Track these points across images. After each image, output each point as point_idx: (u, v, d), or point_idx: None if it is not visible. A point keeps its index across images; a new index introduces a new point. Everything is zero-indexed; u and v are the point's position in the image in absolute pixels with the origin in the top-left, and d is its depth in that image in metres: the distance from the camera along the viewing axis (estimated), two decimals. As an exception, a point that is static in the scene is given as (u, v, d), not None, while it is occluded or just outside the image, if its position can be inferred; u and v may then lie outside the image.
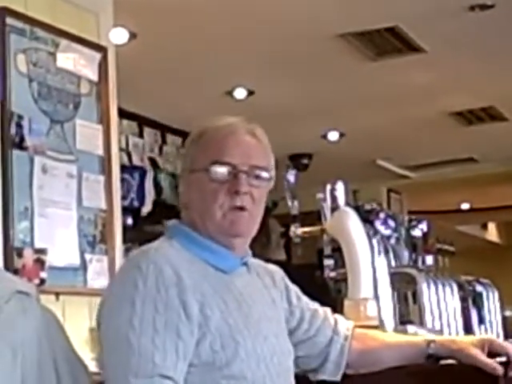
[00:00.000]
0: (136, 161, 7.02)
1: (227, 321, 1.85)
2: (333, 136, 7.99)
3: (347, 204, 3.15)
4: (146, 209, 6.97)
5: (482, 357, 2.09)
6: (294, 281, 2.29)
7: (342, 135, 7.98)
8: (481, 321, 3.60)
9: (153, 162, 7.23)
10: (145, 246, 1.95)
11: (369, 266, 2.93)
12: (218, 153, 1.96)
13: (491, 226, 14.18)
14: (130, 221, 6.62)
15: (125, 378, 1.76)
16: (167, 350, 1.77)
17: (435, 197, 10.32)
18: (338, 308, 2.89)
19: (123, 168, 5.57)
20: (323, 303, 2.31)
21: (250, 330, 1.90)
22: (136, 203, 6.90)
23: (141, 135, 7.17)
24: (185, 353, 1.79)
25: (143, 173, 7.02)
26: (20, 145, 3.92)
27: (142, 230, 6.86)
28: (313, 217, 3.18)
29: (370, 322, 2.51)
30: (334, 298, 3.32)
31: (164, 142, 7.43)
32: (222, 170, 1.94)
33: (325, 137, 7.99)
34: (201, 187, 1.96)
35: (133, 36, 5.19)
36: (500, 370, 2.07)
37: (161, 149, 7.38)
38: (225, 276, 1.95)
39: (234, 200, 1.94)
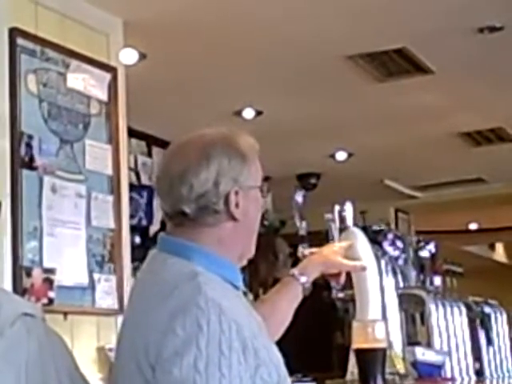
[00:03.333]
0: (144, 180, 7.04)
1: (265, 345, 1.79)
2: (341, 156, 7.99)
3: (355, 225, 3.15)
4: (154, 228, 6.98)
5: (345, 262, 2.36)
6: (301, 301, 2.30)
7: (350, 155, 7.98)
8: (489, 342, 3.60)
9: (161, 181, 7.24)
10: (170, 276, 1.83)
11: (377, 287, 2.93)
12: (260, 171, 1.98)
13: (499, 247, 14.14)
14: (137, 240, 6.63)
15: None
16: None
17: (443, 217, 10.31)
18: (344, 328, 2.89)
19: (131, 187, 5.59)
20: (330, 323, 2.32)
21: (272, 349, 1.86)
22: (144, 222, 6.91)
23: (149, 154, 7.20)
24: None
25: (151, 192, 7.03)
26: (30, 164, 3.94)
27: (149, 249, 6.84)
28: (320, 237, 3.18)
29: (378, 344, 2.51)
30: (341, 318, 3.32)
31: (172, 161, 7.44)
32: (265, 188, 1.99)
33: (333, 156, 7.99)
34: (258, 203, 1.97)
35: (142, 56, 5.22)
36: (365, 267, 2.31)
37: (169, 168, 7.39)
38: (239, 292, 1.92)
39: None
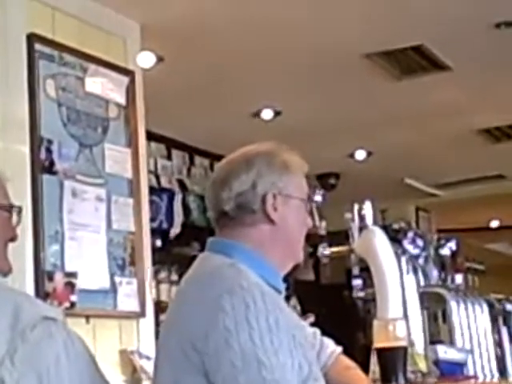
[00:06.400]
0: (164, 183, 7.05)
1: (300, 340, 1.87)
2: (360, 155, 7.98)
3: (375, 223, 3.15)
4: (175, 231, 6.99)
5: None
6: (322, 301, 2.31)
7: (369, 154, 7.96)
8: (512, 340, 3.58)
9: (181, 183, 7.26)
10: (212, 266, 1.93)
11: (397, 286, 2.93)
12: (305, 188, 2.11)
13: (521, 244, 14.05)
14: (158, 243, 6.64)
15: None
16: (288, 369, 1.79)
17: (464, 215, 10.26)
18: (366, 328, 2.89)
19: (152, 190, 5.60)
20: (352, 323, 2.31)
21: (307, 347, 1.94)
22: (165, 225, 6.92)
23: (169, 157, 7.21)
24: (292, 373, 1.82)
25: (172, 195, 7.04)
26: (50, 169, 3.97)
27: (170, 251, 6.88)
28: (341, 236, 3.18)
29: (399, 343, 2.50)
30: (362, 318, 3.32)
31: (192, 163, 7.46)
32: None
33: (352, 156, 7.97)
34: (299, 215, 2.08)
35: (160, 59, 5.23)
36: None
37: (189, 171, 7.42)
38: (280, 297, 1.99)
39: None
